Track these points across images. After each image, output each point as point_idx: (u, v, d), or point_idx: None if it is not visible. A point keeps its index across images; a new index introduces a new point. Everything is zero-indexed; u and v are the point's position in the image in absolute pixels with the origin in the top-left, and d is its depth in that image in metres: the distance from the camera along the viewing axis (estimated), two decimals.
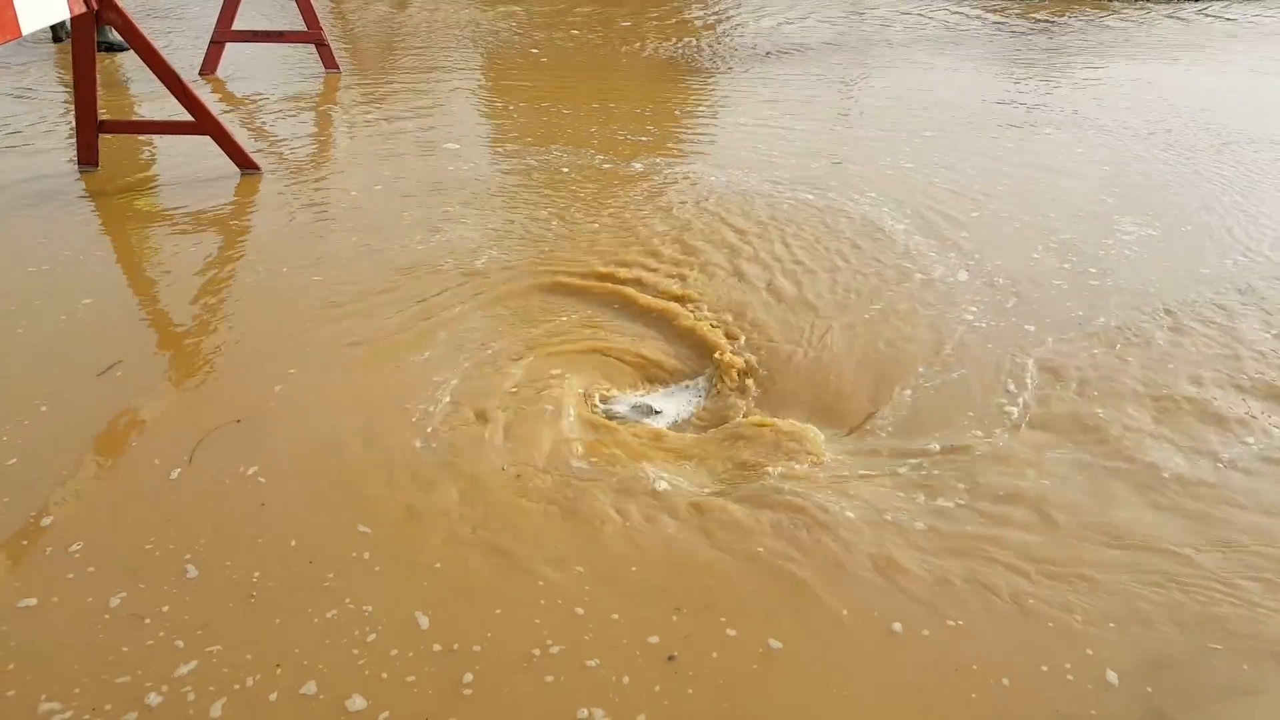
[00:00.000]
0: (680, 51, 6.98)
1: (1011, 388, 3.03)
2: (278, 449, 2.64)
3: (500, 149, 5.10)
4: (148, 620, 2.02)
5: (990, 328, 3.37)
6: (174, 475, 2.52)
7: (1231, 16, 8.44)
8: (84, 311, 3.51)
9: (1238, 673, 1.94)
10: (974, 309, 3.50)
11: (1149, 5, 8.67)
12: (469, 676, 1.89)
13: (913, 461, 2.67)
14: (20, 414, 2.77)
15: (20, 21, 3.56)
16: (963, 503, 2.47)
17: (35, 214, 4.29)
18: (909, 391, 3.03)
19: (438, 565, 2.20)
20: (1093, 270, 3.80)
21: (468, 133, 5.37)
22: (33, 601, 2.08)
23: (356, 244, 4.03)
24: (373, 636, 1.98)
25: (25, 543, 2.26)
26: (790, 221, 4.22)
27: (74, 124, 4.64)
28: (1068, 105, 5.92)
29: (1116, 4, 8.64)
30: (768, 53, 7.07)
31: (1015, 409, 2.90)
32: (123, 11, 4.12)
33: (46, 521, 2.33)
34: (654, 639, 1.99)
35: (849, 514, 2.41)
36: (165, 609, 2.04)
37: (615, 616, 2.05)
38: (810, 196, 4.49)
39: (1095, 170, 4.89)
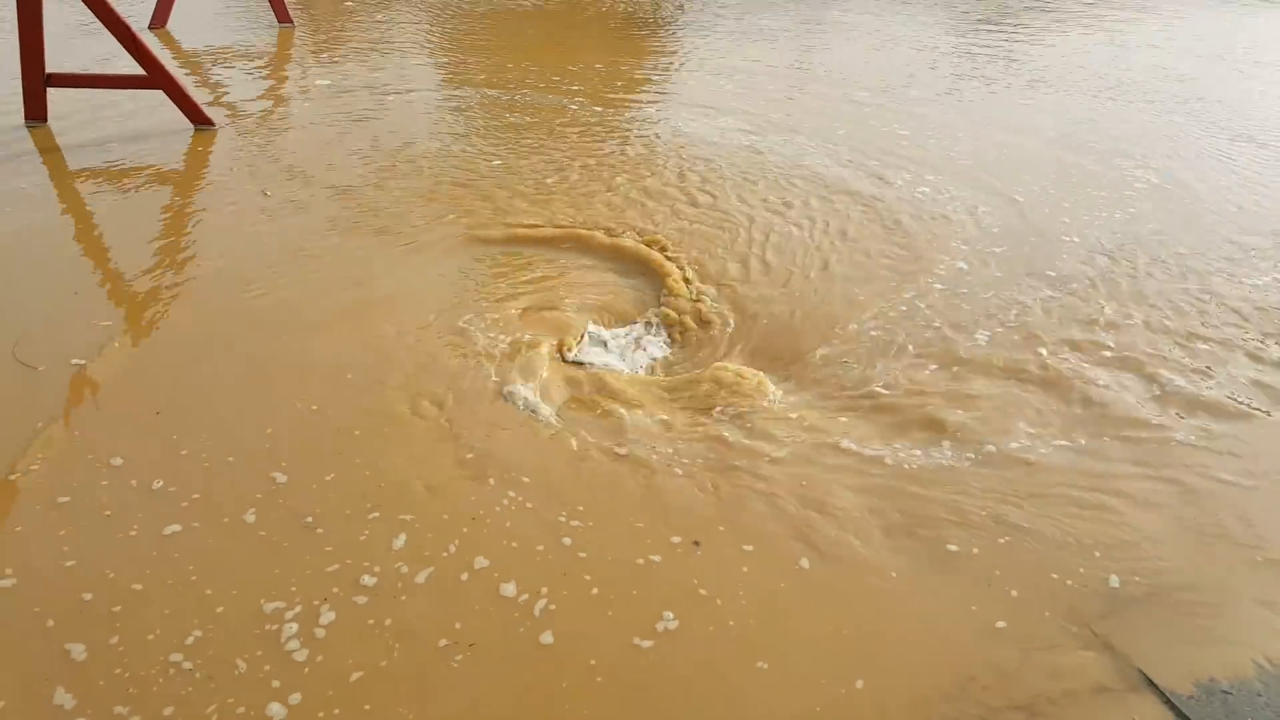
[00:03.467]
0: (637, 6, 6.93)
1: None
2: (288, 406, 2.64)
3: (453, 99, 5.08)
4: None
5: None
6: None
7: None
8: (32, 265, 3.48)
9: None
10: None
11: None
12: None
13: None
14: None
15: None
16: None
17: None
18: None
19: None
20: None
21: (419, 88, 5.34)
22: (177, 528, 2.14)
23: (307, 199, 4.01)
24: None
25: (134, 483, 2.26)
26: (741, 168, 4.25)
27: (21, 78, 4.58)
28: (1024, 62, 5.94)
29: None
30: (721, 5, 7.04)
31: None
32: None
33: (117, 461, 2.34)
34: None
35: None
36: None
37: None
38: (755, 143, 4.51)
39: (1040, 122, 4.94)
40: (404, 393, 2.71)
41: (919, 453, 2.51)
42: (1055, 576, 2.07)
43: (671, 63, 5.86)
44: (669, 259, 3.57)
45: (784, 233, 3.77)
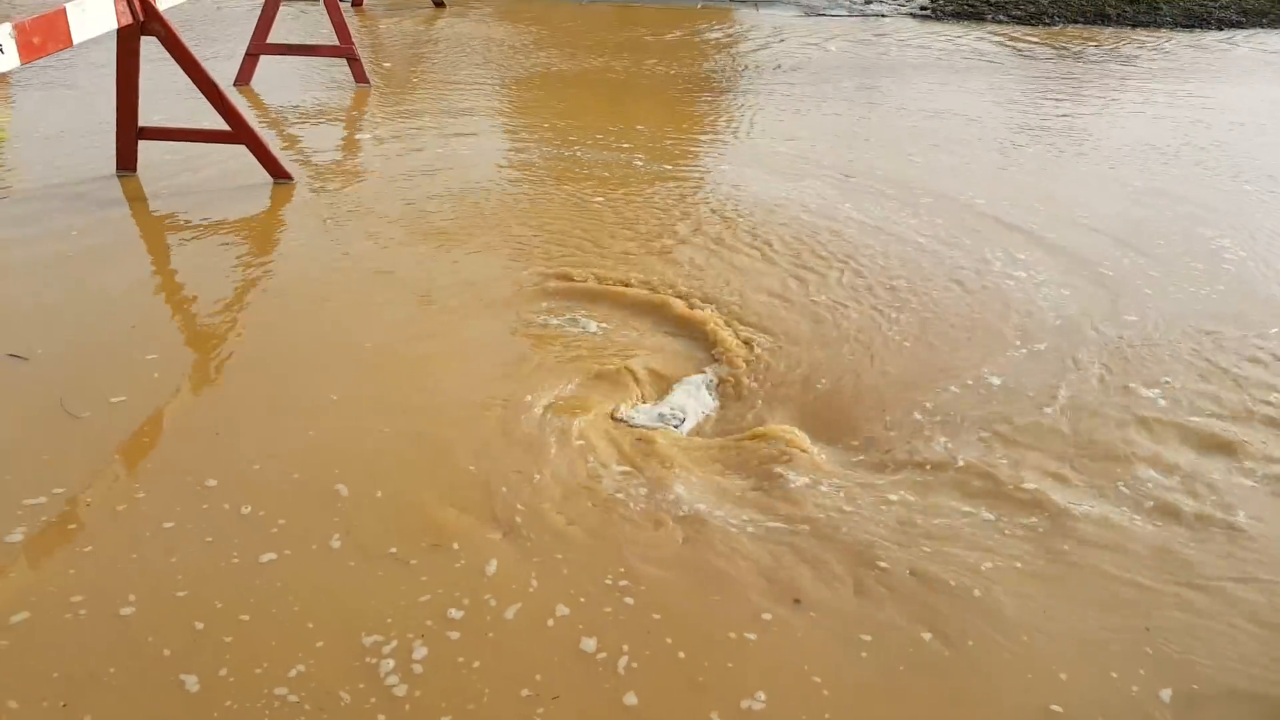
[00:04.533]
0: (700, 68, 7.13)
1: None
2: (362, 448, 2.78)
3: (520, 156, 5.25)
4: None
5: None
6: (257, 466, 2.65)
7: (1264, 46, 8.52)
8: (113, 312, 3.67)
9: None
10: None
11: (1170, 33, 8.76)
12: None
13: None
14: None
15: (72, 32, 3.75)
16: None
17: (70, 215, 4.48)
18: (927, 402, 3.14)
19: None
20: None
21: (488, 143, 5.53)
22: (272, 556, 2.29)
23: (381, 249, 4.19)
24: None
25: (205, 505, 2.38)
26: (803, 229, 4.33)
27: (116, 130, 4.82)
28: (1085, 127, 6.02)
29: (1139, 33, 8.74)
30: (778, 67, 7.21)
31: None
32: (166, 24, 4.30)
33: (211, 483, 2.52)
34: None
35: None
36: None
37: None
38: (818, 205, 4.60)
39: (1104, 190, 4.99)
40: (465, 445, 2.84)
41: (1025, 524, 2.53)
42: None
43: (735, 125, 6.02)
44: (723, 318, 3.64)
45: (848, 295, 3.83)
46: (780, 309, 3.72)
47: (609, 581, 2.25)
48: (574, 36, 8.17)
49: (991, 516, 2.53)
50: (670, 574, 2.30)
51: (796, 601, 2.20)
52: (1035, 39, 8.25)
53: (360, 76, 6.64)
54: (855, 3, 9.53)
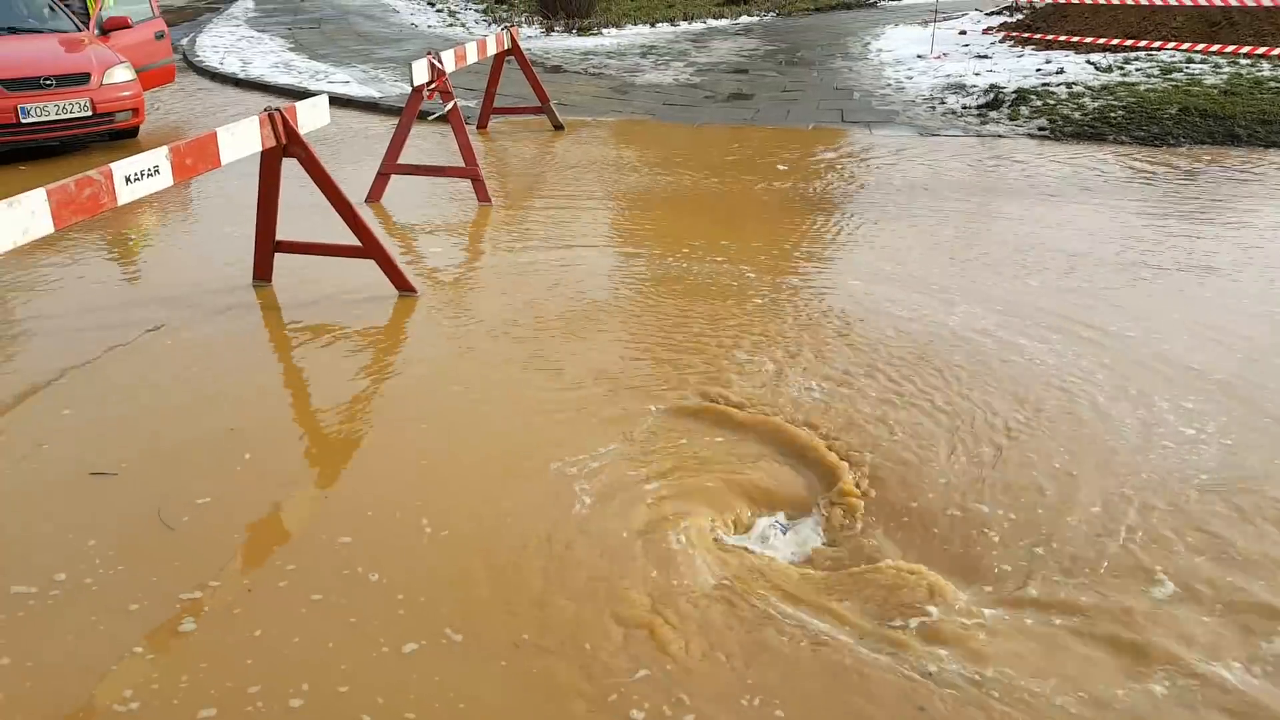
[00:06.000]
0: (813, 187, 7.18)
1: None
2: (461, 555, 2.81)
3: (634, 272, 5.32)
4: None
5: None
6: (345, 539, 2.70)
7: None
8: (238, 412, 3.83)
9: None
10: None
11: None
12: None
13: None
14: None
15: (221, 154, 4.03)
16: None
17: (203, 322, 4.73)
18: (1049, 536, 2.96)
19: None
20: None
21: (603, 259, 5.64)
22: (414, 646, 2.35)
23: (501, 361, 4.28)
24: None
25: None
26: (921, 351, 4.22)
27: (254, 243, 5.13)
28: (1216, 251, 5.76)
29: (1272, 154, 8.43)
30: (892, 186, 7.18)
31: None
32: (307, 147, 4.59)
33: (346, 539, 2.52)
34: None
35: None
36: None
37: None
38: (933, 323, 4.48)
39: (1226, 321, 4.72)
40: (584, 551, 2.89)
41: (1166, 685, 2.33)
42: None
43: (848, 243, 5.99)
44: (834, 442, 3.56)
45: (968, 422, 3.69)
46: (897, 433, 3.60)
47: (744, 702, 2.28)
48: (687, 156, 8.38)
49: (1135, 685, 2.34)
50: (804, 707, 2.27)
51: None
52: (1159, 160, 8.04)
53: (482, 195, 6.93)
54: (971, 123, 9.53)
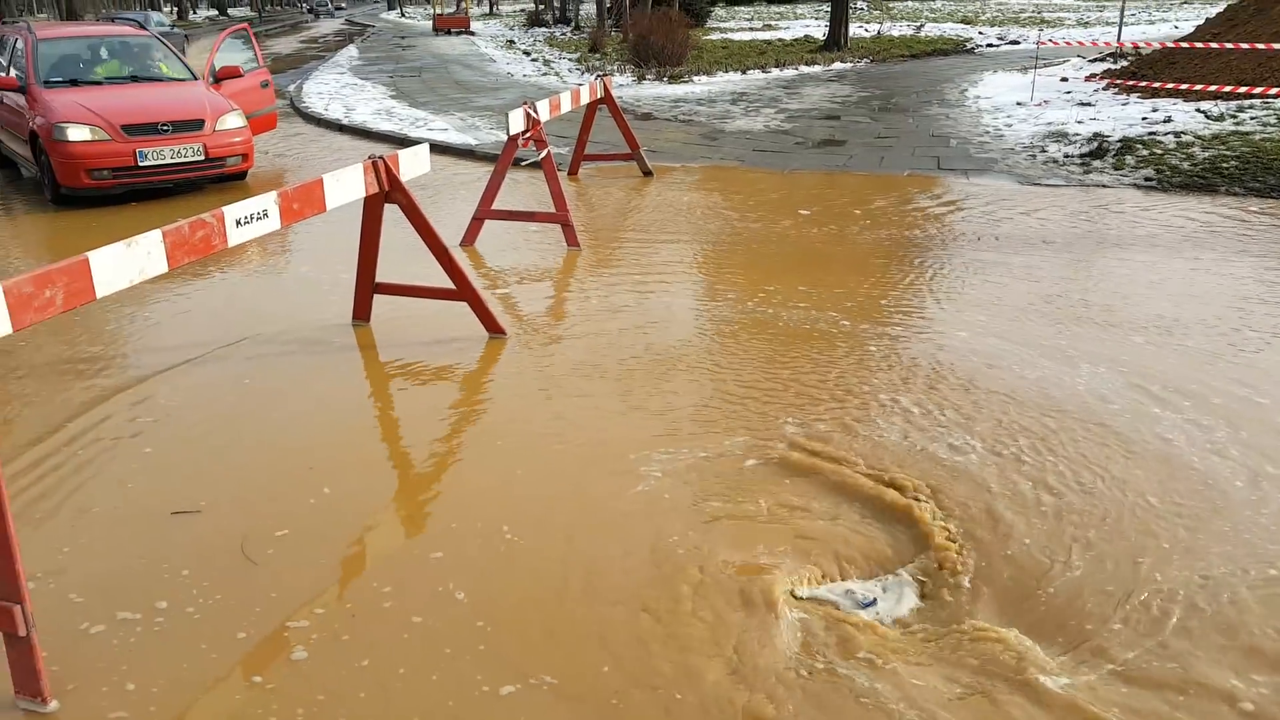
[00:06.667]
0: (907, 235, 7.04)
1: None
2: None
3: (723, 317, 5.27)
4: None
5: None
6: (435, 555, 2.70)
7: None
8: (319, 449, 3.90)
9: None
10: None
11: None
12: None
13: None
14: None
15: (326, 200, 4.15)
16: None
17: (302, 361, 4.86)
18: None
19: None
20: None
21: (691, 304, 5.61)
22: (510, 688, 2.25)
23: (586, 403, 4.28)
24: None
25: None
26: (1019, 406, 4.05)
27: (355, 285, 5.26)
28: None
29: None
30: (989, 235, 6.99)
31: None
32: (408, 194, 4.70)
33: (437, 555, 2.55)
34: None
35: None
36: None
37: None
38: (1042, 382, 4.31)
39: None
40: (660, 605, 2.83)
41: None
42: None
43: (943, 291, 5.83)
44: (927, 498, 3.44)
45: (1072, 483, 3.52)
46: (993, 491, 3.45)
47: None
48: (777, 202, 8.34)
49: None
50: None
51: None
52: (1276, 213, 7.67)
53: (572, 240, 7.00)
54: (1074, 172, 9.26)
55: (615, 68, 19.34)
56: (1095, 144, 9.93)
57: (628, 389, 4.42)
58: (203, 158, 8.67)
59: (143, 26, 27.26)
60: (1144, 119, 10.91)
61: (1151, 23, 31.54)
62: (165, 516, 3.41)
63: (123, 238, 3.12)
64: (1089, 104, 12.45)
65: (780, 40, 26.56)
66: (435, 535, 3.31)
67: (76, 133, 8.18)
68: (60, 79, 9.07)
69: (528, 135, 7.04)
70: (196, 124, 8.70)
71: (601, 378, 4.56)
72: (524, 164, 8.09)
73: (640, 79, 17.79)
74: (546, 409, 4.26)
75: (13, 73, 9.34)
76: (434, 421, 4.19)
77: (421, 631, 2.77)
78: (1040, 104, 12.79)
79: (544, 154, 7.08)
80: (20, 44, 9.48)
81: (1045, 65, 15.93)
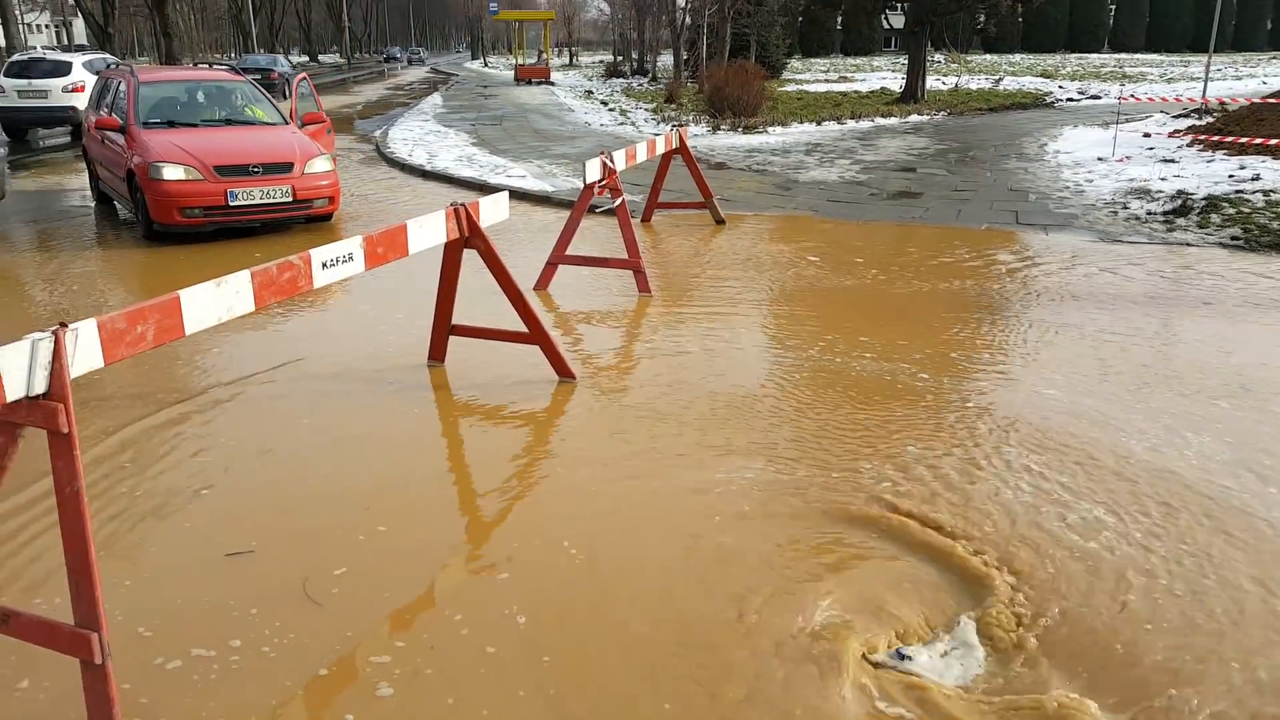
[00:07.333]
0: (982, 289, 6.94)
1: None
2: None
3: (792, 366, 5.25)
4: None
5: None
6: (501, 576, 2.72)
7: None
8: (380, 485, 3.96)
9: None
10: None
11: None
12: None
13: None
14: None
15: (410, 245, 4.28)
16: None
17: (376, 400, 4.96)
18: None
19: None
20: None
21: (760, 353, 5.60)
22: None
23: (654, 449, 4.30)
24: None
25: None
26: (1095, 466, 3.93)
27: (432, 325, 5.38)
28: None
29: None
30: (1067, 293, 6.84)
31: None
32: (487, 240, 4.81)
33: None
34: None
35: None
36: None
37: None
38: (1121, 444, 4.18)
39: None
40: (736, 662, 2.77)
41: None
42: None
43: (1019, 348, 5.73)
44: (998, 557, 3.36)
45: (1162, 551, 3.39)
46: (1066, 551, 3.36)
47: None
48: (851, 253, 8.30)
49: None
50: None
51: None
52: None
53: (643, 287, 7.06)
54: (1156, 230, 9.04)
55: (690, 118, 19.60)
56: (1179, 201, 9.70)
57: (696, 436, 4.43)
58: (290, 199, 8.98)
59: (272, 69, 29.06)
60: (1230, 176, 10.63)
61: (1238, 78, 30.85)
62: (222, 554, 3.47)
63: (211, 274, 3.22)
64: (1173, 160, 12.18)
65: (856, 92, 26.64)
66: (499, 570, 3.32)
67: (171, 172, 8.56)
68: (158, 120, 9.53)
69: (603, 184, 7.16)
70: (286, 166, 9.04)
71: (670, 423, 4.58)
72: (599, 210, 8.21)
73: (715, 129, 17.98)
74: (613, 454, 4.28)
75: (114, 114, 9.85)
76: (497, 462, 4.24)
77: (499, 665, 2.82)
78: (1122, 160, 12.56)
79: (619, 202, 7.19)
80: (123, 86, 10.00)
81: (1127, 120, 15.67)
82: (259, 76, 32.02)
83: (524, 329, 5.13)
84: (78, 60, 19.02)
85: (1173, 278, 7.44)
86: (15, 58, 20.61)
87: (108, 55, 24.59)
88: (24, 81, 17.60)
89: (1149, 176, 11.14)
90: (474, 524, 3.77)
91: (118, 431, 4.54)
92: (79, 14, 42.06)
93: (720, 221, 9.70)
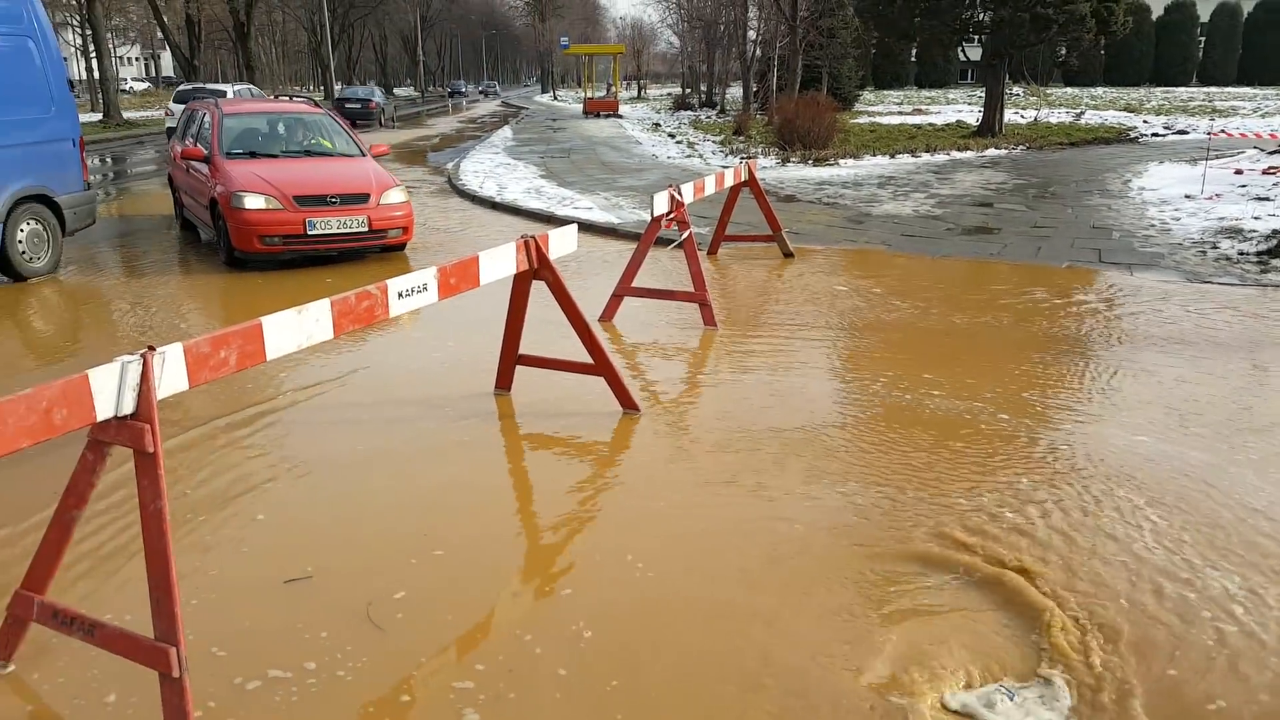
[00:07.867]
0: (1061, 329, 6.70)
1: None
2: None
3: (859, 402, 5.10)
4: None
5: None
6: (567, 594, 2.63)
7: None
8: (440, 512, 3.92)
9: None
10: None
11: None
12: None
13: None
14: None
15: (481, 275, 4.29)
16: None
17: (441, 428, 4.95)
18: None
19: None
20: None
21: (827, 388, 5.46)
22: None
23: (716, 482, 4.22)
24: None
25: None
26: (1182, 515, 3.71)
27: (499, 355, 5.38)
28: None
29: None
30: (1152, 335, 6.56)
31: None
32: (555, 271, 4.79)
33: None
34: None
35: None
36: None
37: None
38: (1209, 494, 3.94)
39: None
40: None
41: None
42: None
43: (1099, 391, 5.49)
44: (1076, 605, 3.20)
45: (1239, 600, 3.19)
46: (1145, 602, 3.18)
47: None
48: (921, 289, 8.11)
49: None
50: None
51: None
52: None
53: (709, 320, 6.98)
54: (1249, 271, 8.66)
55: (759, 150, 19.54)
56: (1274, 241, 9.28)
57: (759, 470, 4.33)
58: (366, 229, 9.15)
59: (370, 99, 31.58)
60: None
61: None
62: (281, 577, 3.47)
63: (286, 301, 3.26)
64: (1266, 199, 11.71)
65: (931, 125, 26.33)
66: (561, 588, 3.25)
67: (253, 201, 8.78)
68: (241, 151, 9.82)
69: (671, 217, 7.12)
70: (362, 197, 9.21)
71: (733, 457, 4.49)
72: (668, 246, 8.17)
73: (784, 161, 17.89)
74: (674, 486, 4.21)
75: (200, 144, 10.17)
76: (559, 489, 4.22)
77: (571, 690, 2.78)
78: (1212, 198, 12.11)
79: (685, 235, 7.14)
80: (208, 118, 10.33)
81: (1217, 157, 15.16)
82: (359, 105, 33.44)
83: (589, 360, 5.09)
84: (230, 89, 24.15)
85: (1268, 321, 7.08)
86: (182, 87, 27.27)
87: (253, 86, 29.13)
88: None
89: (1241, 215, 10.71)
90: (533, 548, 3.72)
91: (178, 450, 4.60)
92: (167, 47, 44.19)
93: (789, 255, 9.58)
